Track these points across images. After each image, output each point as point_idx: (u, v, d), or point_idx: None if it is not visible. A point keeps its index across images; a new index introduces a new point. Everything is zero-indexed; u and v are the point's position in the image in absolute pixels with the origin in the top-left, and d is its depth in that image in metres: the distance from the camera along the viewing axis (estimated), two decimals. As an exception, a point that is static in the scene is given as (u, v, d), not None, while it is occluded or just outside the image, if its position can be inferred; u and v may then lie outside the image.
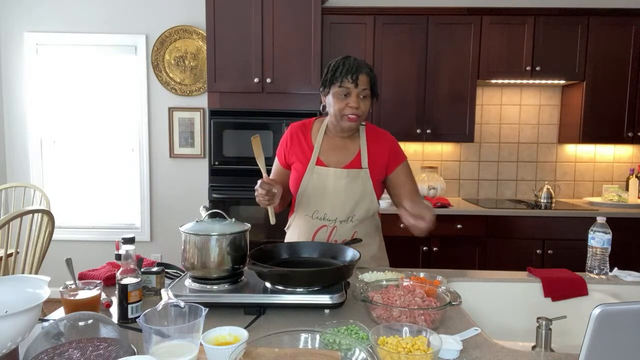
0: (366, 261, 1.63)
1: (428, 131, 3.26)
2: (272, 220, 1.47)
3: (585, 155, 3.59)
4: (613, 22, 3.17)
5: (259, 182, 1.44)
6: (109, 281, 1.37)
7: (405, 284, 1.27)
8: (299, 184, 1.60)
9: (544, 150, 3.61)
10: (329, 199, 1.58)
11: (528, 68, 3.21)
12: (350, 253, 1.35)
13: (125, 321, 1.12)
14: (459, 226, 3.04)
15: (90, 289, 1.14)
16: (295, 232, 1.68)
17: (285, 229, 1.77)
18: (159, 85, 3.61)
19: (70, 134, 3.71)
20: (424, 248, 3.07)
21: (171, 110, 3.63)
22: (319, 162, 1.60)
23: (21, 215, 2.22)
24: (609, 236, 1.50)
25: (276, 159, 1.71)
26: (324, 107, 1.61)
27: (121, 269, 1.13)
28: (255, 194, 1.45)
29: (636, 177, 3.36)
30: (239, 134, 3.10)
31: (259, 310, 1.16)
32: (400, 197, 1.61)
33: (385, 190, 1.71)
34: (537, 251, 3.04)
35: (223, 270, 1.21)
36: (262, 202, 1.45)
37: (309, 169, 1.59)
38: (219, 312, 1.15)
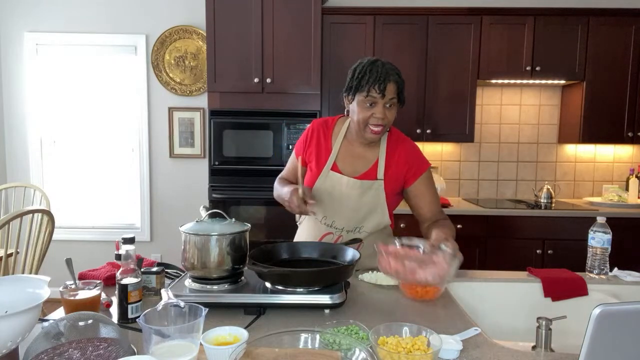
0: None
1: (428, 131, 3.26)
2: (300, 220, 1.46)
3: (585, 155, 3.59)
4: (613, 22, 3.17)
5: (291, 191, 1.39)
6: (109, 281, 1.37)
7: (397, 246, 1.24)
8: (311, 186, 1.57)
9: (544, 150, 3.61)
10: (338, 207, 1.55)
11: (528, 68, 3.21)
12: (350, 253, 1.35)
13: (125, 321, 1.12)
14: (459, 226, 3.04)
15: (90, 289, 1.14)
16: (303, 232, 1.68)
17: (297, 222, 1.76)
18: (159, 85, 3.61)
19: (70, 134, 3.71)
20: (424, 248, 3.07)
21: (171, 110, 3.62)
22: (334, 168, 1.56)
23: (21, 215, 2.22)
24: (609, 236, 1.50)
25: (293, 153, 1.67)
26: (348, 112, 1.54)
27: (121, 269, 1.13)
28: (287, 200, 1.42)
29: (636, 177, 3.35)
30: (239, 134, 3.10)
31: (259, 310, 1.16)
32: (419, 209, 1.56)
33: (402, 200, 1.65)
34: (537, 251, 3.04)
35: (223, 270, 1.21)
36: (292, 211, 1.44)
37: (323, 173, 1.55)
38: (219, 312, 1.15)
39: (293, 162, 1.68)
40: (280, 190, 1.54)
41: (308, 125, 1.66)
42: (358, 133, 1.52)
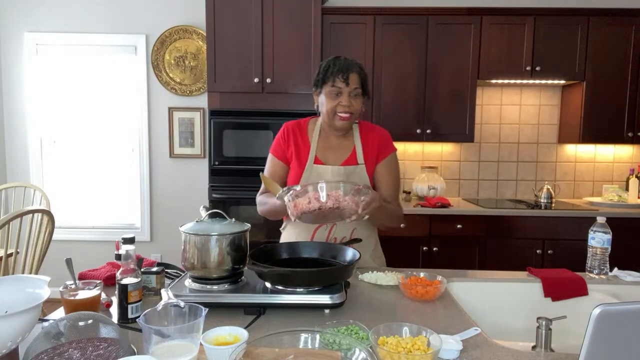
0: (365, 260, 1.63)
1: (428, 131, 3.26)
2: (284, 225, 1.46)
3: (585, 155, 3.59)
4: (613, 22, 3.17)
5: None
6: (109, 281, 1.37)
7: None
8: (297, 183, 1.59)
9: (544, 150, 3.61)
10: None
11: (528, 68, 3.21)
12: (350, 253, 1.35)
13: (125, 321, 1.12)
14: (459, 226, 3.04)
15: (90, 289, 1.14)
16: (293, 232, 1.67)
17: (280, 229, 1.77)
18: (159, 85, 3.61)
19: (70, 134, 3.71)
20: (424, 248, 3.07)
21: (171, 110, 3.62)
22: (316, 161, 1.61)
23: (21, 215, 2.22)
24: (609, 236, 1.50)
25: (272, 157, 1.68)
26: (317, 106, 1.63)
27: (121, 269, 1.13)
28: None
29: (636, 177, 3.36)
30: (239, 134, 3.10)
31: (259, 310, 1.16)
32: (377, 189, 1.63)
33: None
34: (537, 251, 3.04)
35: (223, 270, 1.21)
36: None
37: (307, 168, 1.60)
38: (219, 312, 1.15)
39: (276, 164, 1.68)
40: (271, 202, 1.55)
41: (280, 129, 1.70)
42: (329, 124, 1.60)
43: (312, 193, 1.30)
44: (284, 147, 1.66)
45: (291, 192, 1.33)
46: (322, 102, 1.58)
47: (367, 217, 1.34)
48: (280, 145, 1.67)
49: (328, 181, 1.33)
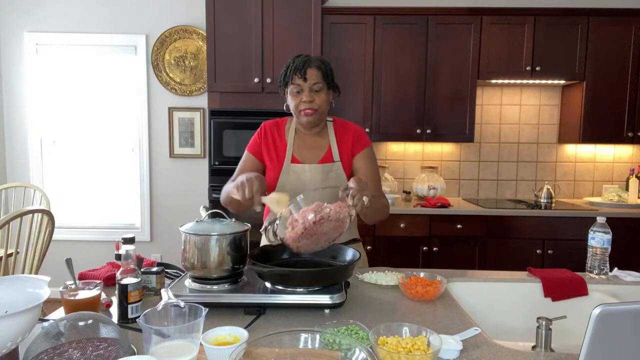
0: None
1: (428, 131, 3.26)
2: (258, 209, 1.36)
3: (585, 155, 3.59)
4: (613, 22, 3.17)
5: (251, 177, 1.30)
6: (109, 281, 1.37)
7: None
8: (275, 184, 1.60)
9: (544, 150, 3.61)
10: None
11: (528, 68, 3.21)
12: (350, 253, 1.35)
13: (125, 321, 1.12)
14: (459, 226, 3.04)
15: (90, 289, 1.14)
16: None
17: (261, 230, 1.75)
18: (159, 85, 3.61)
19: (70, 134, 3.71)
20: (424, 248, 3.07)
21: (171, 110, 3.62)
22: (293, 160, 1.62)
23: (21, 215, 2.22)
24: (609, 236, 1.50)
25: (246, 153, 1.67)
26: (287, 107, 1.62)
27: (121, 269, 1.13)
28: (239, 185, 1.29)
29: (636, 177, 3.35)
30: (239, 134, 3.10)
31: (259, 310, 1.16)
32: None
33: None
34: (537, 251, 3.04)
35: (223, 270, 1.22)
36: (242, 200, 1.30)
37: (284, 168, 1.60)
38: (219, 312, 1.15)
39: (248, 160, 1.66)
40: (229, 186, 1.48)
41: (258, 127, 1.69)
42: (299, 122, 1.61)
43: (290, 218, 1.23)
44: (260, 144, 1.66)
45: (274, 225, 1.27)
46: (289, 102, 1.58)
47: (356, 210, 1.26)
48: (257, 142, 1.67)
49: (305, 196, 1.27)
